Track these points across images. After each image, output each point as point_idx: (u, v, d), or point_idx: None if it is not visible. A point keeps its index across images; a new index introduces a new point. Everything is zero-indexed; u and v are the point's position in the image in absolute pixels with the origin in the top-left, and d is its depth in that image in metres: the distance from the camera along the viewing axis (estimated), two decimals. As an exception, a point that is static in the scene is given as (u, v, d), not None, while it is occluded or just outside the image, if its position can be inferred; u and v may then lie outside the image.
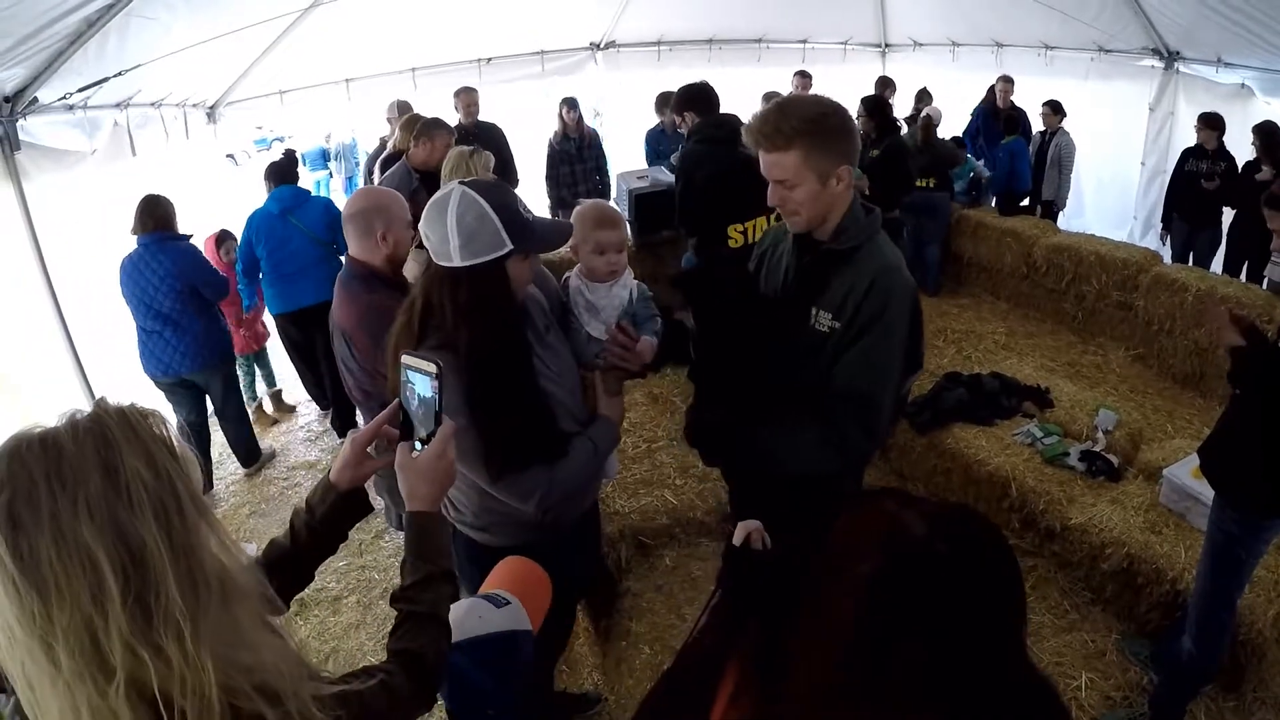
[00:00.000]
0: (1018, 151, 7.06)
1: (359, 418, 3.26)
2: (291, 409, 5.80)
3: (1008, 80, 7.62)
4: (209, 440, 4.83)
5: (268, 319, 5.27)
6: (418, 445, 1.33)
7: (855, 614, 0.64)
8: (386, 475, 2.14)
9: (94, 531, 0.84)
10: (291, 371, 5.44)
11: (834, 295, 1.94)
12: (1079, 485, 3.61)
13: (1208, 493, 3.18)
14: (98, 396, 0.95)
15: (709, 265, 3.93)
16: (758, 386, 2.07)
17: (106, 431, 0.89)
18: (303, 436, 5.40)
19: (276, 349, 5.45)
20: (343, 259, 2.74)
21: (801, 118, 1.83)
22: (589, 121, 7.44)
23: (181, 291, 4.13)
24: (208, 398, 4.60)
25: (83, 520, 0.84)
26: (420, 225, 1.77)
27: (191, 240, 4.33)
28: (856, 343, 1.92)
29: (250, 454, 4.86)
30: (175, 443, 0.94)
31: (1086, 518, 3.38)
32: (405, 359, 1.34)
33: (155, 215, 4.08)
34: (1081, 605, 3.34)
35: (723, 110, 4.12)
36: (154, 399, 4.31)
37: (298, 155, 5.34)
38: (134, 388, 4.50)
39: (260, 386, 5.71)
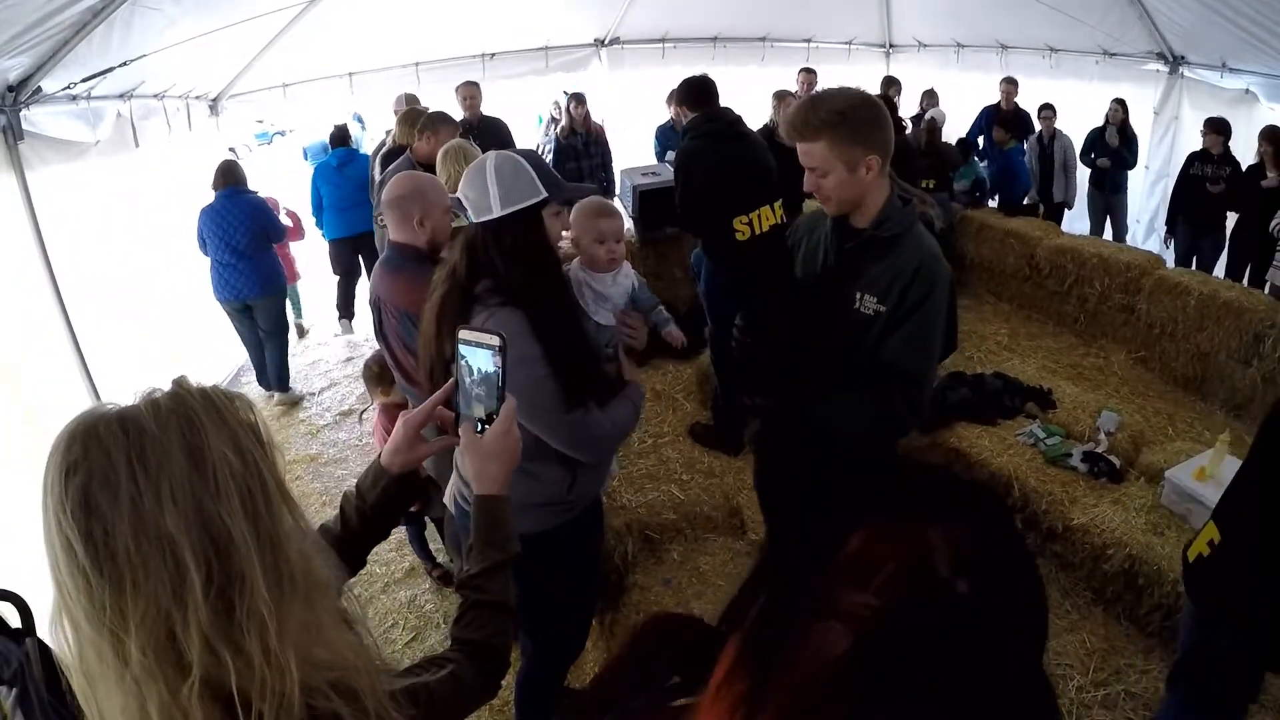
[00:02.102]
0: (1021, 153, 7.11)
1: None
2: (306, 330, 7.12)
3: (1011, 82, 7.62)
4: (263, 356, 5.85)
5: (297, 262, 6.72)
6: (478, 426, 1.27)
7: (849, 652, 0.56)
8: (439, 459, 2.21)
9: (177, 520, 0.79)
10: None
11: (878, 280, 2.05)
12: (1081, 486, 3.61)
13: (1210, 496, 3.20)
14: (176, 376, 0.88)
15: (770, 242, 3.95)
16: (806, 364, 2.16)
17: (191, 414, 0.83)
18: (303, 431, 5.40)
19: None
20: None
21: (829, 109, 1.94)
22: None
23: (253, 233, 5.27)
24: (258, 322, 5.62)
25: (166, 508, 0.79)
26: (459, 189, 1.87)
27: (259, 195, 5.58)
28: (902, 326, 2.03)
29: (282, 378, 5.84)
30: (262, 428, 0.89)
31: (1088, 518, 3.38)
32: (463, 334, 1.27)
33: (234, 175, 5.34)
34: (1083, 605, 3.35)
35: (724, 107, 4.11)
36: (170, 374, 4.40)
37: (346, 127, 6.76)
38: (135, 378, 4.49)
39: (289, 315, 6.35)
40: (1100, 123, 6.97)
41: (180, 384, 0.87)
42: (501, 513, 1.27)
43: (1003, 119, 7.20)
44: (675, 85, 7.08)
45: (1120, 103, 6.86)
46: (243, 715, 0.80)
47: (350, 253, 6.56)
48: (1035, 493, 3.59)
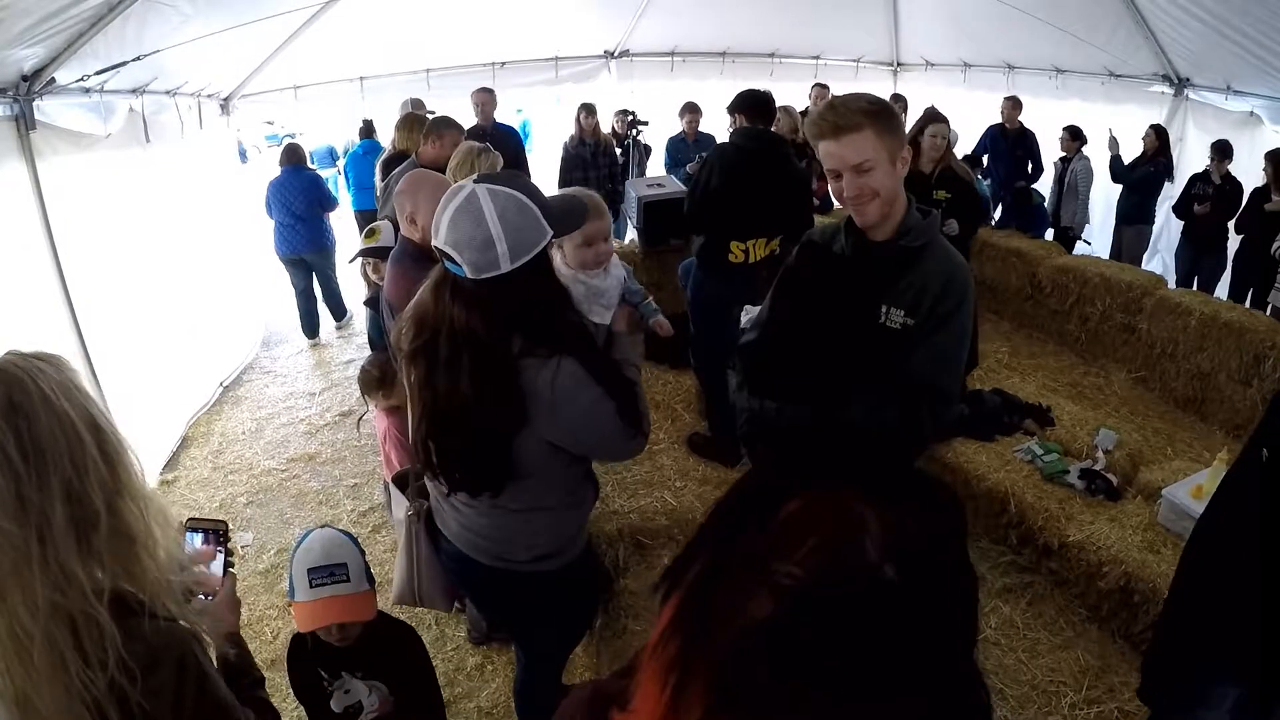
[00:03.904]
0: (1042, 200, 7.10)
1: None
2: None
3: (1013, 101, 7.65)
4: (315, 299, 7.14)
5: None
6: (203, 598, 1.43)
7: (770, 617, 0.57)
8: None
9: (66, 405, 1.09)
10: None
11: (905, 293, 1.98)
12: (1077, 503, 3.60)
13: (1207, 513, 3.20)
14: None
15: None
16: (829, 375, 2.10)
17: (35, 354, 1.14)
18: (303, 430, 5.41)
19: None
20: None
21: (866, 101, 1.88)
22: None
23: (311, 201, 6.63)
24: (313, 273, 6.98)
25: (60, 396, 1.09)
26: (442, 242, 1.64)
27: (316, 170, 7.19)
28: (931, 338, 1.96)
29: (339, 310, 7.38)
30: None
31: (1084, 535, 3.37)
32: (189, 521, 1.47)
33: (296, 154, 6.83)
34: (1077, 623, 3.33)
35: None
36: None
37: (373, 122, 7.77)
38: (137, 371, 4.51)
39: None
40: (1107, 141, 6.94)
41: (10, 351, 1.14)
42: (244, 644, 1.49)
43: (1013, 140, 7.09)
44: (689, 100, 7.32)
45: (1156, 129, 6.73)
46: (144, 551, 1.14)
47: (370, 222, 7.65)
48: (1031, 509, 3.58)
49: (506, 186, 1.64)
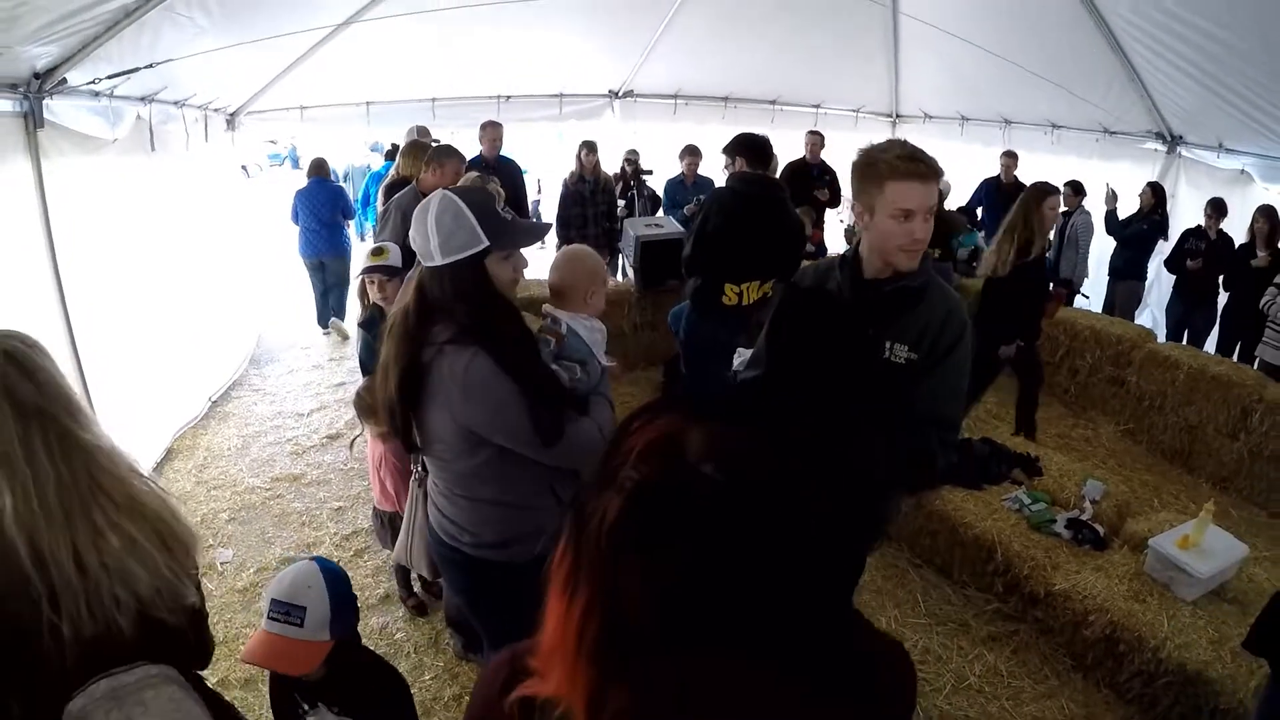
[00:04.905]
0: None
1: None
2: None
3: (1011, 155, 7.78)
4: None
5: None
6: None
7: (617, 517, 0.66)
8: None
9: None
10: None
11: (908, 329, 2.08)
12: (1064, 552, 3.60)
13: (1193, 563, 3.20)
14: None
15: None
16: (839, 409, 2.12)
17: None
18: (289, 450, 5.34)
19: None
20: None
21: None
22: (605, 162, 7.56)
23: (334, 209, 7.38)
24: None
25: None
26: (409, 232, 1.94)
27: (339, 183, 8.19)
28: (934, 371, 2.06)
29: (340, 313, 7.71)
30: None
31: (1070, 584, 3.36)
32: None
33: (322, 168, 7.53)
34: (1062, 671, 3.31)
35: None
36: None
37: (398, 146, 7.74)
38: (125, 375, 4.48)
39: None
40: (1104, 195, 7.04)
41: None
42: None
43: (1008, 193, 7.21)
44: (689, 142, 7.42)
45: (1153, 186, 6.82)
46: None
47: None
48: (1018, 558, 3.57)
49: (460, 197, 1.88)
